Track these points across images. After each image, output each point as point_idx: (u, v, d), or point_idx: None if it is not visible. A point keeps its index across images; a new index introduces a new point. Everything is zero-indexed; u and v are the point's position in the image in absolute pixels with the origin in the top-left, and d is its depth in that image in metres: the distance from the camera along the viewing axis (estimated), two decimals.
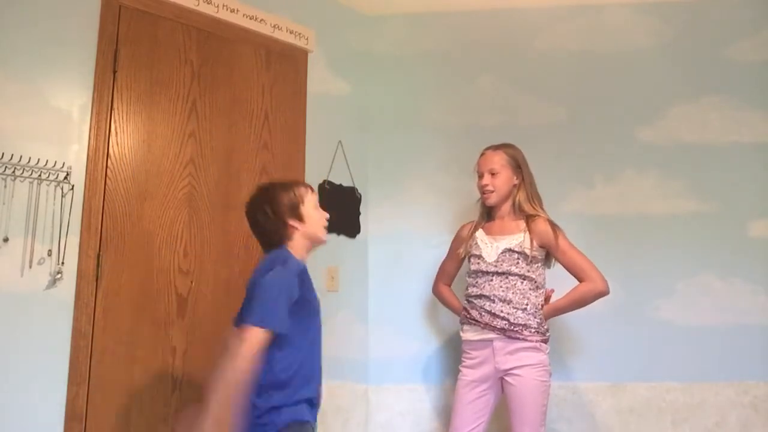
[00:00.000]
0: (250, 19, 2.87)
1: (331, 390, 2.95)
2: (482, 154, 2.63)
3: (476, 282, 2.53)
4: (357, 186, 3.20)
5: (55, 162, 2.25)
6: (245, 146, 2.81)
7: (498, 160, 2.58)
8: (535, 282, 2.49)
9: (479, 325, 2.48)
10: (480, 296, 2.50)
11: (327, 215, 2.06)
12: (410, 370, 3.09)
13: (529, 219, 2.53)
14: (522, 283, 2.46)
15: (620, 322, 2.98)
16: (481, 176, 2.60)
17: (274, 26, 2.95)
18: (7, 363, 2.12)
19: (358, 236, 3.17)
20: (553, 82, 3.23)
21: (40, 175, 2.21)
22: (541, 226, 2.49)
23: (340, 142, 3.16)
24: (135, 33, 2.52)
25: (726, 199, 3.04)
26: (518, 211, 2.56)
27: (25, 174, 2.19)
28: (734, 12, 3.20)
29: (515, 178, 2.57)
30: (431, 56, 3.33)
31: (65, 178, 2.26)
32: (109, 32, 2.44)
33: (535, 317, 2.44)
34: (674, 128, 3.12)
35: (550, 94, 3.22)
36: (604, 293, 2.46)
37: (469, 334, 2.53)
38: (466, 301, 2.57)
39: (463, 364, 2.55)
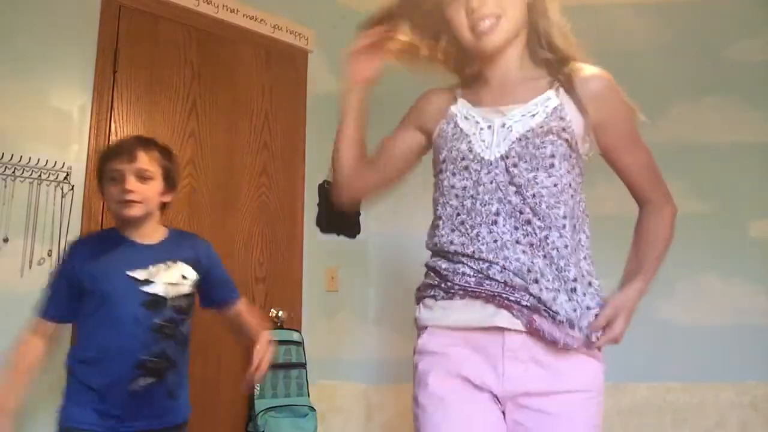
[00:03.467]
0: (250, 19, 2.87)
1: (331, 390, 2.95)
2: None
3: (459, 216, 1.24)
4: None
5: (55, 162, 2.25)
6: (245, 146, 2.81)
7: None
8: (586, 217, 1.31)
9: (475, 298, 1.21)
10: (468, 255, 1.22)
11: (125, 188, 1.69)
12: (410, 370, 3.09)
13: (561, 68, 1.29)
14: (568, 210, 1.23)
15: None
16: (455, 1, 1.26)
17: (274, 26, 2.95)
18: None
19: (358, 236, 3.17)
20: None
21: (40, 175, 2.21)
22: (597, 79, 1.29)
23: None
24: (135, 33, 2.52)
25: (726, 199, 3.04)
26: (538, 55, 1.32)
27: (25, 174, 2.19)
28: (734, 12, 3.20)
29: None
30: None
31: (65, 178, 2.26)
32: (109, 32, 2.44)
33: (593, 297, 1.23)
34: (674, 128, 3.12)
35: None
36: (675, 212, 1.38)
37: (447, 313, 1.24)
38: (438, 258, 1.27)
39: (423, 367, 1.32)
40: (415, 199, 3.28)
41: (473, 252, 1.20)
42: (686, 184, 3.07)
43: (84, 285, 1.68)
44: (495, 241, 1.20)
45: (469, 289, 1.21)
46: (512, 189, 1.20)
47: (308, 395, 2.60)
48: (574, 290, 1.20)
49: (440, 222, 1.28)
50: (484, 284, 1.19)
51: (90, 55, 2.39)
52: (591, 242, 1.31)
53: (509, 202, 1.20)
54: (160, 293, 1.70)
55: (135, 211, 1.71)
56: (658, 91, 3.15)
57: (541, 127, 1.22)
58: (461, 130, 1.29)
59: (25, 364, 1.70)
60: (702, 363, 2.93)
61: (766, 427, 2.88)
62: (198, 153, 2.65)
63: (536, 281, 1.18)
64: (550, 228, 1.19)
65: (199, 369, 2.50)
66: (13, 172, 2.17)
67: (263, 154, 2.86)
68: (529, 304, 1.17)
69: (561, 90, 1.27)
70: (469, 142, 1.26)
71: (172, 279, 1.74)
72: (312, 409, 2.54)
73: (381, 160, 1.45)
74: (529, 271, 1.18)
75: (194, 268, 1.79)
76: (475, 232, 1.21)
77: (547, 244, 1.19)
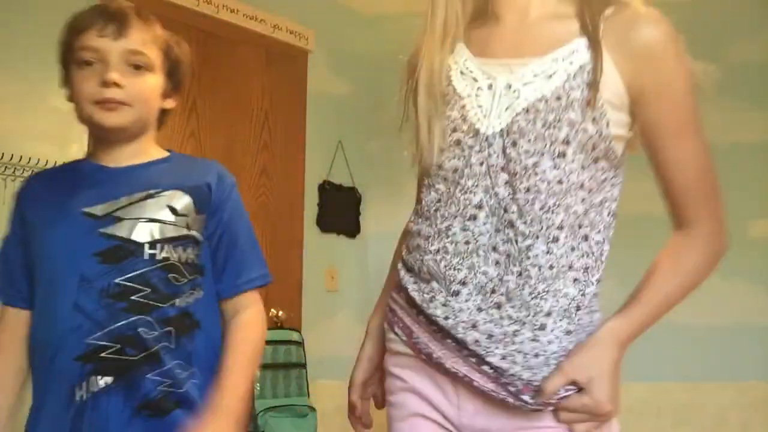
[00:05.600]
0: (250, 19, 2.87)
1: (331, 390, 2.95)
2: None
3: (439, 201, 0.95)
4: (357, 186, 3.20)
5: (55, 162, 2.24)
6: (245, 146, 2.81)
7: None
8: (607, 215, 0.94)
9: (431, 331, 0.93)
10: (432, 252, 0.94)
11: (108, 79, 1.07)
12: None
13: (601, 6, 0.91)
14: (568, 220, 0.89)
15: None
16: None
17: (274, 26, 2.95)
18: None
19: (358, 236, 3.17)
20: None
21: None
22: (653, 25, 0.98)
23: (340, 142, 3.15)
24: None
25: (726, 199, 3.04)
26: None
27: (25, 174, 2.19)
28: (734, 12, 3.20)
29: None
30: None
31: None
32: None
33: (584, 322, 0.90)
34: None
35: None
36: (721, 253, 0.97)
37: (398, 345, 1.01)
38: (407, 255, 1.02)
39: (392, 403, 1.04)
40: (414, 200, 3.29)
41: (437, 250, 0.91)
42: None
43: (29, 241, 1.10)
44: (467, 242, 0.89)
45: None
46: (503, 177, 0.87)
47: (308, 395, 2.60)
48: (543, 327, 0.86)
49: (418, 208, 1.00)
50: (430, 307, 0.91)
51: None
52: (592, 218, 0.91)
53: (496, 194, 0.88)
54: (128, 236, 1.04)
55: (118, 118, 1.08)
56: None
57: (558, 97, 0.86)
58: (454, 89, 0.94)
59: None
60: (702, 363, 2.93)
61: (766, 427, 2.88)
62: (198, 153, 2.65)
63: (498, 306, 0.87)
64: (537, 237, 0.86)
65: None
66: (13, 172, 2.17)
67: (263, 154, 2.86)
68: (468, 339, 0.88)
69: (596, 39, 0.87)
70: (463, 107, 0.92)
71: (152, 213, 1.07)
72: (312, 409, 2.55)
73: None
74: (493, 291, 0.87)
75: (195, 199, 1.11)
76: (446, 224, 0.91)
77: (528, 258, 0.86)
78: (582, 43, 0.88)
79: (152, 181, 1.10)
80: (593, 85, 0.85)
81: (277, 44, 2.97)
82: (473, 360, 0.87)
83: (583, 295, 0.88)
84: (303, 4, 3.12)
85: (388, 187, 3.25)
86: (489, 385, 0.87)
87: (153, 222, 1.06)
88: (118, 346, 1.01)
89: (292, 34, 3.02)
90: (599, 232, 0.91)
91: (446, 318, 0.89)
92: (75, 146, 2.33)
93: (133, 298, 1.03)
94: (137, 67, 1.09)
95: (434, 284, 0.91)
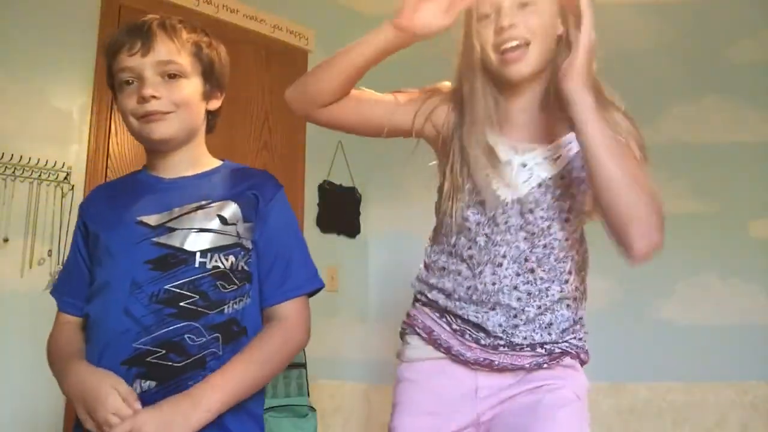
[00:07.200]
0: (250, 19, 2.87)
1: (331, 390, 2.95)
2: None
3: (470, 249, 1.21)
4: (357, 186, 3.20)
5: (55, 162, 2.25)
6: (245, 146, 2.81)
7: None
8: (587, 258, 1.29)
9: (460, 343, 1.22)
10: (466, 288, 1.21)
11: (142, 94, 1.11)
12: None
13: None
14: (574, 265, 1.23)
15: (620, 322, 2.98)
16: (484, 18, 1.21)
17: (274, 26, 2.95)
18: (7, 363, 2.12)
19: (358, 236, 3.17)
20: None
21: (40, 175, 2.21)
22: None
23: (340, 142, 3.15)
24: None
25: (726, 199, 3.04)
26: (555, 100, 1.18)
27: (25, 174, 2.19)
28: (734, 12, 3.20)
29: (559, 24, 1.24)
30: (431, 56, 3.33)
31: (65, 178, 2.27)
32: (109, 32, 2.43)
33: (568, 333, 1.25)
34: (674, 128, 3.12)
35: None
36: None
37: (419, 351, 1.28)
38: (425, 293, 1.31)
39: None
40: (414, 200, 3.28)
41: (470, 286, 1.20)
42: (686, 184, 3.07)
43: (91, 250, 1.16)
44: (494, 284, 1.18)
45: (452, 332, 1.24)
46: (522, 235, 1.18)
47: (308, 395, 2.60)
48: (549, 326, 1.21)
49: (453, 249, 1.23)
50: (468, 314, 1.20)
51: (90, 55, 2.39)
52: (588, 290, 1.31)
53: (517, 247, 1.18)
54: (181, 245, 1.09)
55: (163, 128, 1.13)
56: (658, 91, 3.15)
57: (562, 177, 1.17)
58: (483, 158, 1.19)
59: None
60: (702, 363, 2.93)
61: (766, 427, 2.88)
62: None
63: (516, 326, 1.19)
64: (553, 281, 1.19)
65: None
66: (13, 172, 2.17)
67: (263, 154, 2.86)
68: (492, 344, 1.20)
69: (565, 142, 1.21)
70: (487, 175, 1.18)
71: (203, 223, 1.11)
72: (312, 409, 2.54)
73: (354, 105, 1.39)
74: (515, 316, 1.19)
75: (242, 207, 1.15)
76: (479, 269, 1.19)
77: (546, 296, 1.19)
78: (564, 138, 1.19)
79: (203, 192, 1.15)
80: (583, 168, 1.14)
81: (277, 44, 2.97)
82: (491, 348, 1.18)
83: (575, 313, 1.23)
84: (303, 4, 3.12)
85: (388, 187, 3.25)
86: (506, 361, 1.18)
87: (204, 232, 1.10)
88: (163, 351, 1.05)
89: (292, 34, 3.02)
90: (586, 272, 1.26)
91: (477, 318, 1.20)
92: (75, 146, 2.33)
93: (182, 304, 1.07)
94: (172, 76, 1.14)
95: (471, 307, 1.20)
